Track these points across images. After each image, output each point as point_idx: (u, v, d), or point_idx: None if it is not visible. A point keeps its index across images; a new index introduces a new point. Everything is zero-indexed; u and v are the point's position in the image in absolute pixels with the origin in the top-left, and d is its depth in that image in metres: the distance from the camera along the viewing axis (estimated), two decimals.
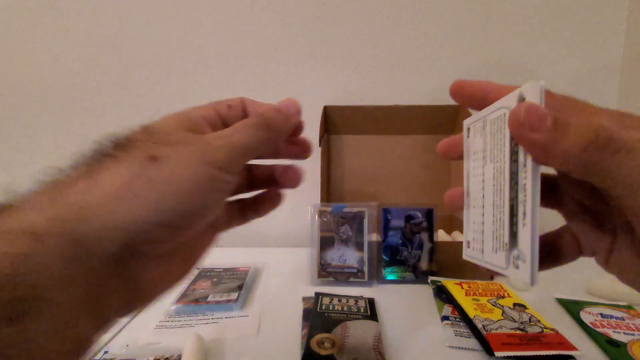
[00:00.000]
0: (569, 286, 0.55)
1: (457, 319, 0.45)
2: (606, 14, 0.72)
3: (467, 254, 0.25)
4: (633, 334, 0.41)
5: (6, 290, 0.13)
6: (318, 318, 0.43)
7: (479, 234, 0.23)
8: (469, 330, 0.42)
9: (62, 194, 0.16)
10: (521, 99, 0.18)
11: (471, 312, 0.44)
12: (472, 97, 0.23)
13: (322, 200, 0.70)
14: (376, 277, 0.57)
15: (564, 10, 0.72)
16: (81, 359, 0.16)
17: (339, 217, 0.58)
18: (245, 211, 0.28)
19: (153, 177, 0.17)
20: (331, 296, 0.50)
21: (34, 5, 0.74)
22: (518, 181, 0.19)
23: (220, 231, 0.26)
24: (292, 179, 0.28)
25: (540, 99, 0.17)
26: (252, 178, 0.28)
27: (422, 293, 0.53)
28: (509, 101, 0.19)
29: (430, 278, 0.55)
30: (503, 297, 0.48)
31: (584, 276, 0.58)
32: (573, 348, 0.37)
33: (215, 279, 0.56)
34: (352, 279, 0.56)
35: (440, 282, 0.53)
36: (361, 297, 0.50)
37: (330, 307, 0.46)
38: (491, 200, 0.21)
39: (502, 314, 0.43)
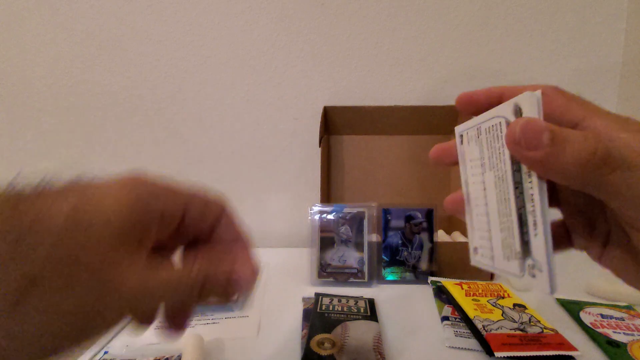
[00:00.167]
0: (569, 286, 0.55)
1: (457, 319, 0.45)
2: (606, 14, 0.72)
3: (476, 260, 0.24)
4: (633, 334, 0.41)
5: None
6: (318, 318, 0.43)
7: (487, 241, 0.22)
8: (469, 331, 0.42)
9: None
10: (517, 110, 0.18)
11: (471, 312, 0.44)
12: (489, 104, 0.22)
13: (322, 200, 0.70)
14: (376, 277, 0.57)
15: (563, 11, 0.72)
16: None
17: (339, 217, 0.58)
18: None
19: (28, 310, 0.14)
20: (331, 296, 0.50)
21: (34, 5, 0.74)
22: (524, 191, 0.18)
23: None
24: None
25: (537, 112, 0.17)
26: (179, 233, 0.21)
27: (422, 293, 0.53)
28: (504, 110, 0.19)
29: (430, 278, 0.55)
30: (503, 297, 0.48)
31: (584, 276, 0.58)
32: (573, 348, 0.37)
33: None
34: (352, 280, 0.56)
35: (440, 282, 0.53)
36: (361, 298, 0.50)
37: (330, 308, 0.46)
38: (496, 208, 0.21)
39: (502, 315, 0.43)
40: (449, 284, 0.52)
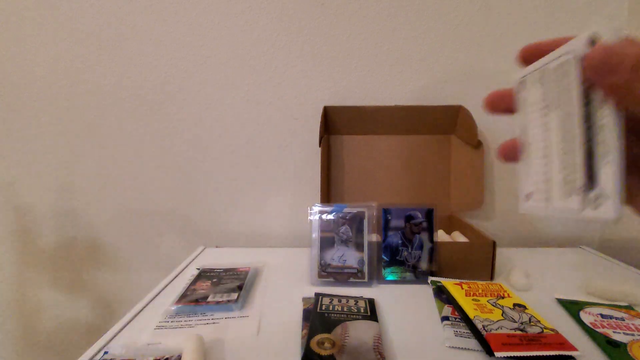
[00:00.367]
0: (569, 286, 0.55)
1: (457, 319, 0.45)
2: (606, 14, 0.72)
3: (527, 207, 0.25)
4: (633, 334, 0.41)
5: None
6: (318, 318, 0.43)
7: (543, 184, 0.23)
8: (469, 331, 0.42)
9: None
10: (592, 41, 0.18)
11: (471, 312, 0.44)
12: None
13: (322, 200, 0.70)
14: (376, 277, 0.57)
15: (563, 10, 0.72)
16: None
17: (339, 217, 0.58)
18: None
19: None
20: (331, 296, 0.50)
21: (34, 5, 0.74)
22: (594, 123, 0.19)
23: None
24: None
25: (617, 40, 0.17)
26: None
27: (422, 293, 0.53)
28: (575, 45, 0.19)
29: (430, 278, 0.55)
30: (503, 297, 0.48)
31: (584, 276, 0.58)
32: (573, 348, 0.37)
33: (215, 280, 0.56)
34: (352, 280, 0.56)
35: (440, 282, 0.53)
36: (361, 298, 0.50)
37: (330, 308, 0.46)
38: (557, 148, 0.22)
39: (502, 314, 0.43)
40: (449, 284, 0.52)
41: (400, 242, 0.58)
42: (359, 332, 0.41)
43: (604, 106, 0.18)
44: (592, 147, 0.19)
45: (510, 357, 0.36)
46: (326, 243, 0.57)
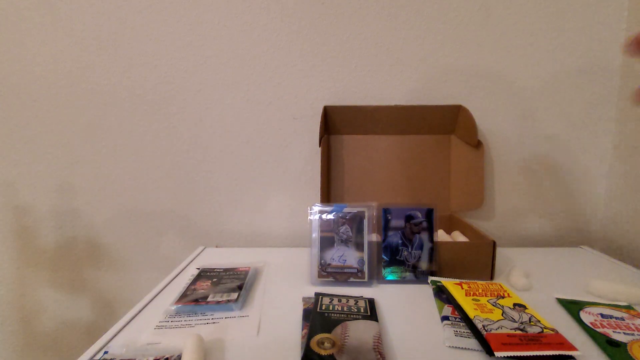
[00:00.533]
0: (569, 286, 0.55)
1: (457, 319, 0.45)
2: (606, 14, 0.72)
3: None
4: (633, 334, 0.41)
5: None
6: (318, 318, 0.43)
7: None
8: (469, 331, 0.42)
9: None
10: None
11: (471, 312, 0.44)
12: None
13: (322, 200, 0.70)
14: (376, 277, 0.57)
15: (564, 10, 0.72)
16: None
17: (339, 217, 0.58)
18: None
19: None
20: (331, 296, 0.50)
21: (34, 4, 0.74)
22: None
23: None
24: None
25: None
26: None
27: (422, 293, 0.53)
28: None
29: (430, 278, 0.55)
30: (503, 297, 0.48)
31: (584, 276, 0.58)
32: (573, 348, 0.37)
33: (215, 279, 0.56)
34: (352, 279, 0.56)
35: (440, 282, 0.53)
36: (361, 297, 0.50)
37: (330, 307, 0.46)
38: None
39: (502, 314, 0.43)
40: (449, 283, 0.52)
41: (400, 242, 0.58)
42: (359, 331, 0.41)
43: None
44: None
45: (510, 356, 0.36)
46: (326, 243, 0.57)
